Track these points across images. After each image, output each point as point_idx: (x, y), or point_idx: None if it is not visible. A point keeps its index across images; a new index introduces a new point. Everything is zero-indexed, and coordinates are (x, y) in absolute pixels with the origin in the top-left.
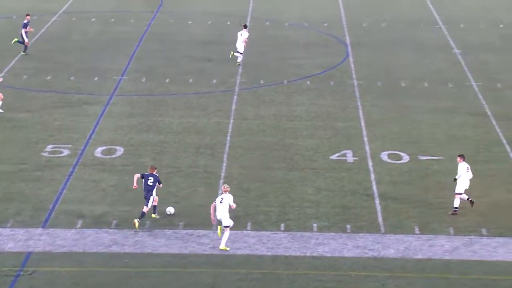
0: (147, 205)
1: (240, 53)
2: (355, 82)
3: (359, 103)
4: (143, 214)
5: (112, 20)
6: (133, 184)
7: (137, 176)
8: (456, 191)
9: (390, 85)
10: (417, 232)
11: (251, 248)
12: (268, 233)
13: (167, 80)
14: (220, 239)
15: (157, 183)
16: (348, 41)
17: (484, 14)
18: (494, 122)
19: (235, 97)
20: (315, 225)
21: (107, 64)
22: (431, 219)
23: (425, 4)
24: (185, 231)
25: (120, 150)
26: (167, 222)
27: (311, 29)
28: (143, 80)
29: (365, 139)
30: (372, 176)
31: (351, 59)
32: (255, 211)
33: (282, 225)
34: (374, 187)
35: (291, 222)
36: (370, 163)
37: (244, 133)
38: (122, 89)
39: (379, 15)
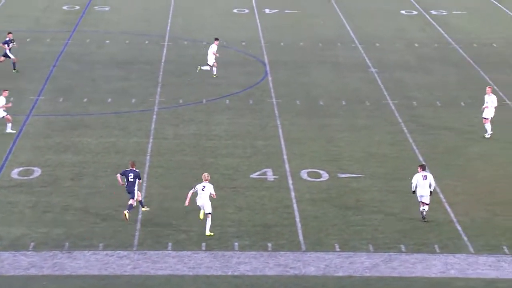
0: (133, 198)
1: (209, 65)
2: (274, 100)
3: (278, 122)
4: (130, 206)
5: (28, 39)
6: (119, 183)
7: (118, 176)
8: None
9: (309, 103)
10: (338, 249)
11: (172, 268)
12: (189, 252)
13: (85, 100)
14: (202, 222)
15: (137, 179)
16: (266, 60)
17: (399, 34)
18: (410, 140)
19: (154, 116)
20: (236, 244)
21: (23, 84)
22: (351, 237)
23: (342, 23)
24: (105, 252)
25: (37, 171)
26: (87, 243)
27: (229, 48)
28: (61, 100)
29: (285, 157)
30: (292, 194)
31: (269, 78)
32: (176, 231)
33: (203, 244)
34: (295, 205)
35: (212, 241)
36: (290, 181)
37: (164, 153)
38: (38, 109)
39: (296, 34)
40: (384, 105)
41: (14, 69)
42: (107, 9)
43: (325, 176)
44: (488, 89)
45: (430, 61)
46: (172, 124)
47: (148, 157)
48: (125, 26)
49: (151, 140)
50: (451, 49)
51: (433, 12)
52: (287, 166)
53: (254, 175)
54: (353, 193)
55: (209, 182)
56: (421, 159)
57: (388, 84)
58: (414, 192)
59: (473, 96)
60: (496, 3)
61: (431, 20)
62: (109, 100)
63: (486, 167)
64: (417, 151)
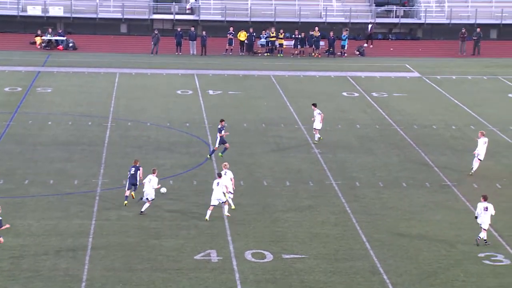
0: (135, 189)
1: (317, 129)
2: None
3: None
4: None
5: None
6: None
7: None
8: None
9: (253, 184)
10: None
11: None
12: None
13: (26, 182)
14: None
15: (138, 172)
16: (210, 141)
17: (341, 115)
18: (354, 220)
19: (97, 198)
20: None
21: None
22: None
23: (285, 105)
24: None
25: None
26: None
27: (173, 129)
28: (1, 182)
29: (229, 238)
30: (237, 275)
31: (213, 159)
32: None
33: None
34: (239, 287)
35: None
36: (234, 263)
37: (107, 234)
38: None
39: (240, 115)
40: (327, 186)
41: (221, 154)
42: (49, 90)
43: (269, 257)
44: (479, 134)
45: (372, 142)
46: (115, 205)
47: (90, 239)
48: (68, 108)
49: (93, 222)
50: (392, 130)
51: (374, 94)
52: (231, 247)
53: (198, 256)
54: (297, 274)
55: (225, 173)
56: (364, 239)
57: (331, 165)
58: (476, 217)
59: (414, 177)
60: (435, 86)
61: (372, 102)
62: (51, 181)
63: (428, 247)
64: (360, 231)
